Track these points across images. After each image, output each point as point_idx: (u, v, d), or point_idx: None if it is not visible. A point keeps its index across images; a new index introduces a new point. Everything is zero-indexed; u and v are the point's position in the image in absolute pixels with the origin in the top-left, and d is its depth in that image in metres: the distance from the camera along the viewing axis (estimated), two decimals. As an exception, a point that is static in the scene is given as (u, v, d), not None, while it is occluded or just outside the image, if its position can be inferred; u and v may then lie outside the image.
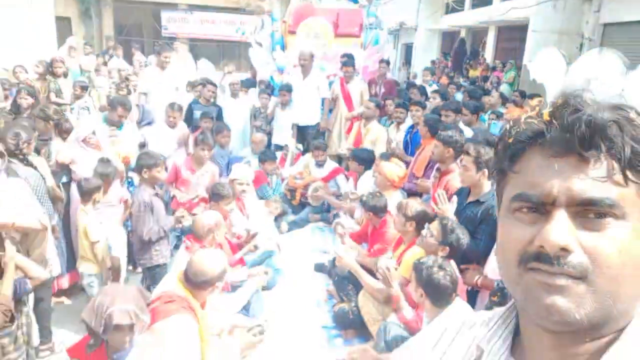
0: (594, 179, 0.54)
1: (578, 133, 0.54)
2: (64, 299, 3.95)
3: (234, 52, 18.40)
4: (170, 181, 4.49)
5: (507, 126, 0.63)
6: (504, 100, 7.05)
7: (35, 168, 3.34)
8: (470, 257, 2.95)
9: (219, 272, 2.46)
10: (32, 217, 2.81)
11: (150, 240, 3.49)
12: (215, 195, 3.79)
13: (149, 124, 5.70)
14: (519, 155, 0.60)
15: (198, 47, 16.38)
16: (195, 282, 2.42)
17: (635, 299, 0.56)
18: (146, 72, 6.76)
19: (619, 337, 0.56)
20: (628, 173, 0.54)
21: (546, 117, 0.58)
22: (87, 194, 3.52)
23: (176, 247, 4.13)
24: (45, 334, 3.25)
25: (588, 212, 0.54)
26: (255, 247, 4.04)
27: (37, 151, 3.60)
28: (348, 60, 6.72)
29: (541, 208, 0.57)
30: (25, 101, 5.27)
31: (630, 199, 0.54)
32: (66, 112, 6.38)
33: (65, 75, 7.11)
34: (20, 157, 3.21)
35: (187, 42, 17.57)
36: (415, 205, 3.26)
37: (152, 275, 3.46)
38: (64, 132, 4.75)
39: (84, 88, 6.66)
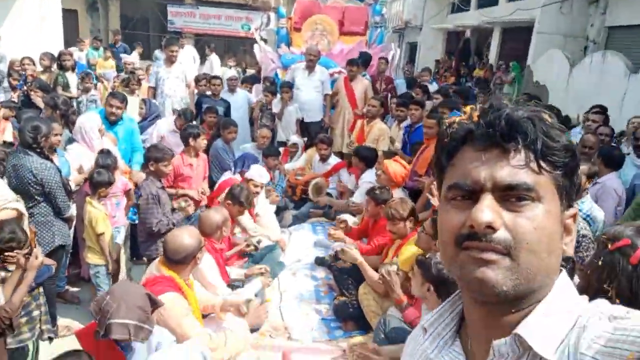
0: (513, 167, 0.63)
1: (499, 128, 0.64)
2: (67, 286, 4.04)
3: (239, 47, 18.46)
4: (170, 184, 4.39)
5: (445, 128, 0.73)
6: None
7: (52, 160, 3.41)
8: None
9: (195, 246, 2.58)
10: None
11: (159, 231, 3.57)
12: (232, 197, 3.80)
13: (157, 117, 5.76)
14: (454, 152, 0.70)
15: (203, 42, 16.39)
16: (175, 259, 2.55)
17: (550, 272, 0.65)
18: (154, 66, 6.82)
19: (536, 307, 0.64)
20: (541, 163, 0.63)
21: (475, 118, 0.68)
22: (96, 187, 3.57)
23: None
24: (51, 318, 3.33)
25: (510, 196, 0.63)
26: (258, 243, 4.10)
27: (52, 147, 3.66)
28: (353, 59, 6.76)
29: (472, 195, 0.65)
30: (39, 97, 5.35)
31: (545, 184, 0.64)
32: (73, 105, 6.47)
33: (73, 68, 7.18)
34: (38, 150, 3.27)
35: (193, 37, 17.64)
36: (399, 207, 3.34)
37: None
38: (71, 123, 4.83)
39: (91, 80, 6.74)
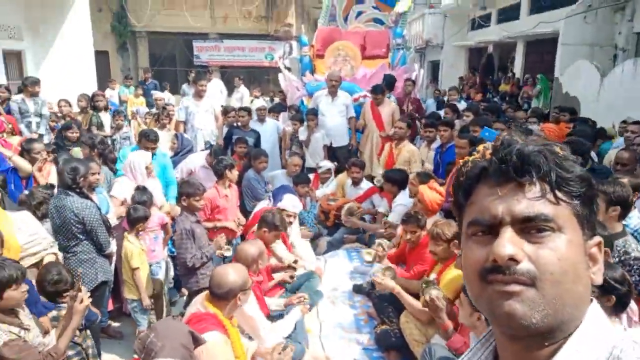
0: (529, 200, 0.65)
1: (511, 164, 0.66)
2: (110, 321, 4.10)
3: (263, 77, 18.85)
4: (207, 217, 4.44)
5: (460, 167, 0.75)
6: (537, 116, 6.94)
7: (91, 200, 3.52)
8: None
9: (241, 282, 2.57)
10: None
11: (193, 265, 3.60)
12: (266, 223, 3.83)
13: (190, 151, 5.88)
14: (471, 191, 0.71)
15: (229, 74, 16.83)
16: (218, 294, 2.54)
17: (579, 302, 0.64)
18: (184, 101, 7.02)
19: (568, 340, 0.63)
20: (557, 193, 0.65)
21: (487, 155, 0.70)
22: (133, 223, 3.68)
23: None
24: (94, 354, 3.37)
25: (530, 228, 0.64)
26: (292, 277, 4.09)
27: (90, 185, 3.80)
28: (377, 86, 6.77)
29: (492, 230, 0.67)
30: (73, 135, 5.57)
31: (563, 215, 0.65)
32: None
33: (106, 108, 7.46)
34: (77, 190, 3.38)
35: (219, 69, 18.13)
36: (445, 228, 3.27)
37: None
38: (109, 161, 5.00)
39: (122, 117, 6.97)
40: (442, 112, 7.50)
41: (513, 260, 0.63)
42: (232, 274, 2.58)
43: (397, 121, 6.18)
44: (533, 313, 0.61)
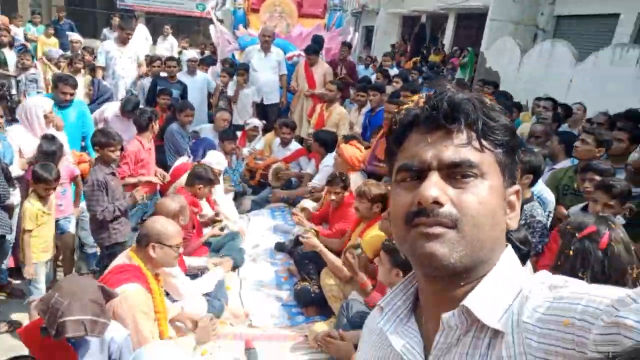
0: (457, 146, 0.67)
1: (442, 110, 0.67)
2: (10, 279, 3.79)
3: (193, 27, 17.84)
4: (130, 172, 4.19)
5: (394, 115, 0.75)
6: (463, 86, 7.21)
7: None
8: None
9: (157, 232, 2.49)
10: None
11: (105, 219, 3.39)
12: (200, 178, 3.73)
13: (108, 100, 5.47)
14: (403, 138, 0.73)
15: (155, 22, 15.73)
16: (138, 238, 2.49)
17: (495, 245, 0.68)
18: (105, 45, 6.45)
19: (482, 280, 0.67)
20: (483, 141, 0.67)
21: (420, 103, 0.71)
22: (38, 181, 3.19)
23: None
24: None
25: (455, 173, 0.66)
26: (222, 229, 4.03)
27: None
28: (310, 47, 6.65)
29: (420, 175, 0.68)
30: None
31: (487, 162, 0.67)
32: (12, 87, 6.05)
33: (10, 45, 6.69)
34: None
35: (144, 15, 16.87)
36: (373, 188, 3.35)
37: (111, 254, 3.36)
38: (10, 103, 4.49)
39: (30, 57, 6.29)
40: (373, 77, 7.57)
41: (437, 203, 0.64)
42: (156, 221, 2.53)
43: (328, 83, 6.14)
44: (452, 253, 0.64)
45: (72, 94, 4.37)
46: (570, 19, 9.64)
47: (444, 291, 0.69)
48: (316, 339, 2.72)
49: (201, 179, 3.81)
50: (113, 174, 3.60)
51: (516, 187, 0.72)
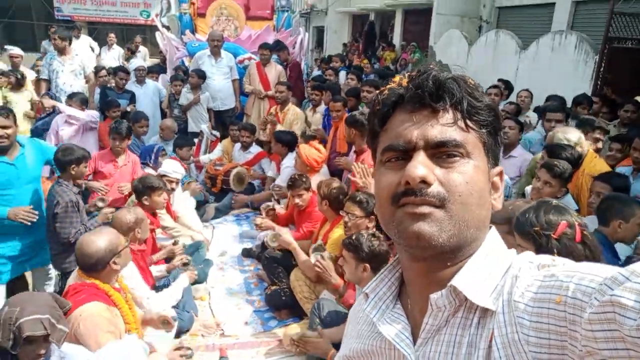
0: (442, 125, 0.66)
1: (427, 89, 0.66)
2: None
3: (137, 36, 17.31)
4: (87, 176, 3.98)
5: (376, 96, 0.74)
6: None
7: None
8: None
9: (108, 248, 2.34)
10: None
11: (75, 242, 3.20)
12: (145, 189, 3.50)
13: (52, 113, 5.20)
14: (386, 118, 0.71)
15: (98, 31, 15.18)
16: (88, 266, 2.31)
17: (481, 225, 0.68)
18: (47, 58, 6.13)
19: (469, 260, 0.67)
20: (468, 122, 0.67)
21: (404, 83, 0.70)
22: None
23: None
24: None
25: (442, 153, 0.66)
26: (175, 244, 3.80)
27: None
28: (265, 43, 6.63)
29: (406, 155, 0.67)
30: None
31: (472, 142, 0.67)
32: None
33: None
34: None
35: (86, 25, 16.25)
36: (330, 183, 3.37)
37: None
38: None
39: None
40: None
41: (424, 182, 0.63)
42: (95, 241, 2.32)
43: (277, 84, 6.10)
44: (440, 233, 0.63)
45: (5, 127, 2.90)
46: (512, 9, 10.02)
47: (430, 273, 0.68)
48: (292, 341, 2.69)
49: (149, 188, 3.51)
50: (80, 193, 3.42)
51: (499, 168, 0.72)
